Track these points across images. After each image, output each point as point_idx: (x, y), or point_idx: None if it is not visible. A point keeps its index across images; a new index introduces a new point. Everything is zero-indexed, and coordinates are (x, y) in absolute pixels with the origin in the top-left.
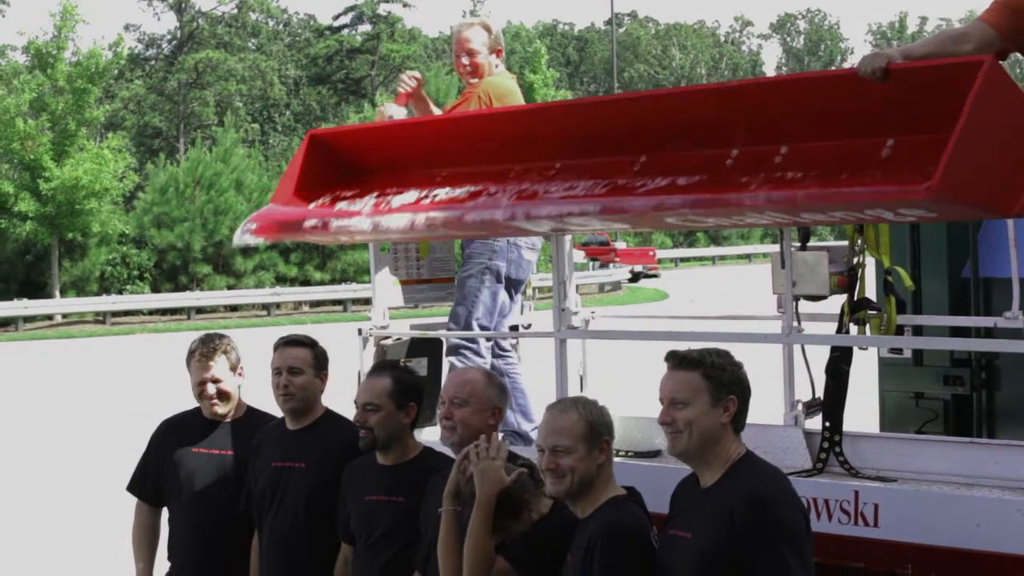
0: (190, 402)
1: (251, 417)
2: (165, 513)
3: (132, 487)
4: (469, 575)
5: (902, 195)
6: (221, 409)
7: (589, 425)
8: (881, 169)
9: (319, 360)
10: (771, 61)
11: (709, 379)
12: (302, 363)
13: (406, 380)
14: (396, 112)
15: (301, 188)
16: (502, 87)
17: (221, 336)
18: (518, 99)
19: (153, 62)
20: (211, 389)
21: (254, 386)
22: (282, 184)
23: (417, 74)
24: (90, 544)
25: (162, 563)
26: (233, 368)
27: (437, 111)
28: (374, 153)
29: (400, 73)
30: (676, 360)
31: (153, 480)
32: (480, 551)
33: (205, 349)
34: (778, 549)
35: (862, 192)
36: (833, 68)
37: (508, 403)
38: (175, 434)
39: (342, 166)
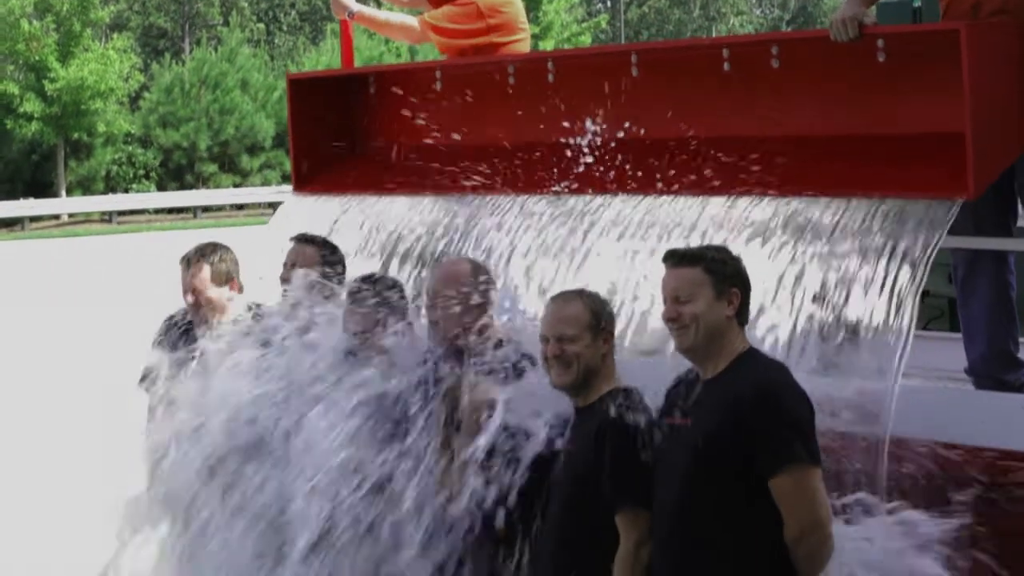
0: None
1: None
2: None
3: (141, 382)
4: (462, 488)
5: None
6: (203, 320)
7: (593, 314)
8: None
9: (326, 261)
10: None
11: (711, 273)
12: (308, 261)
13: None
14: None
15: None
16: None
17: (216, 247)
18: (517, 5)
19: None
20: (189, 298)
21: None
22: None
23: None
24: (93, 441)
25: None
26: (219, 279)
27: None
28: None
29: None
30: (676, 258)
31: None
32: (471, 466)
33: (192, 258)
34: (785, 438)
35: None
36: None
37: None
38: (175, 330)
39: None
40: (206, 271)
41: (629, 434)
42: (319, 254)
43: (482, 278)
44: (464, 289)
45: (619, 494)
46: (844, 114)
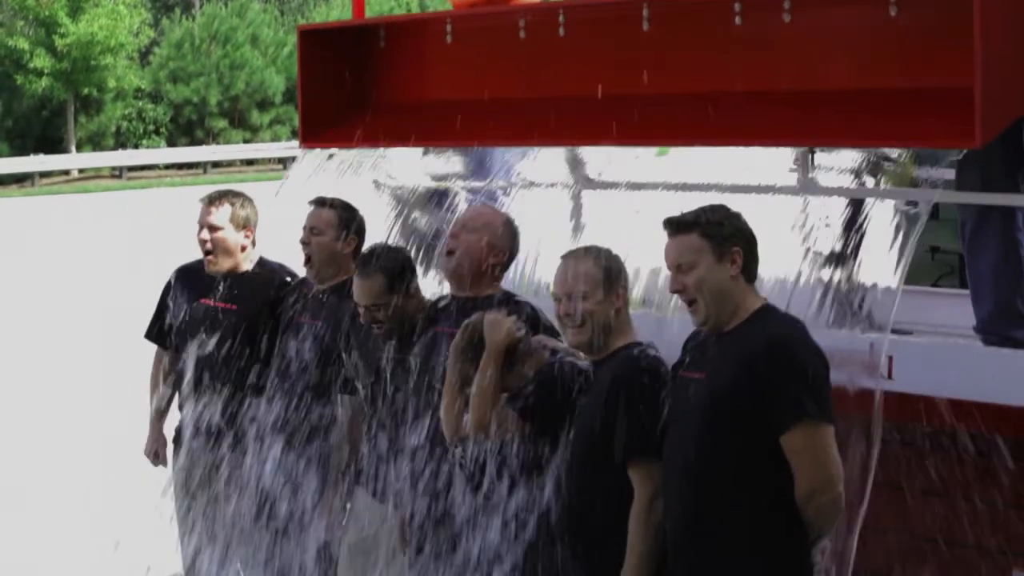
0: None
1: (260, 271)
2: None
3: (148, 333)
4: (476, 423)
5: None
6: (214, 263)
7: (605, 270)
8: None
9: (344, 223)
10: None
11: (708, 237)
12: (326, 224)
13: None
14: None
15: None
16: None
17: (240, 193)
18: None
19: None
20: (204, 234)
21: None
22: None
23: None
24: (97, 399)
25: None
26: (237, 223)
27: None
28: None
29: None
30: (673, 226)
31: (167, 326)
32: (488, 401)
33: (212, 196)
34: (795, 394)
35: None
36: None
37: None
38: (185, 281)
39: None
40: (226, 209)
41: (643, 386)
42: (337, 217)
43: (509, 231)
44: (488, 232)
45: (632, 446)
46: (855, 67)
